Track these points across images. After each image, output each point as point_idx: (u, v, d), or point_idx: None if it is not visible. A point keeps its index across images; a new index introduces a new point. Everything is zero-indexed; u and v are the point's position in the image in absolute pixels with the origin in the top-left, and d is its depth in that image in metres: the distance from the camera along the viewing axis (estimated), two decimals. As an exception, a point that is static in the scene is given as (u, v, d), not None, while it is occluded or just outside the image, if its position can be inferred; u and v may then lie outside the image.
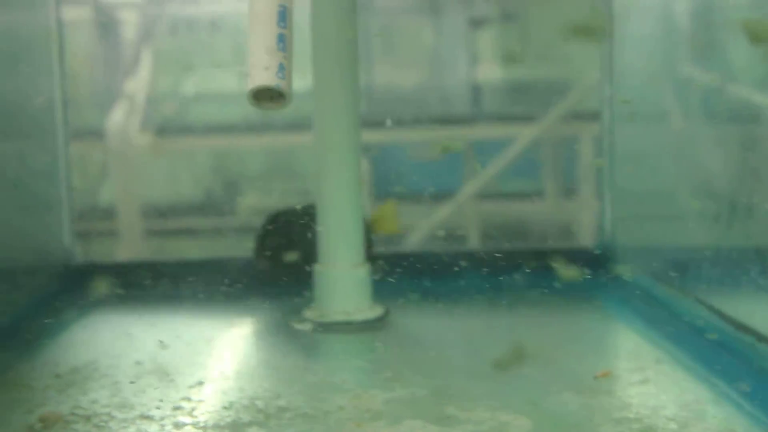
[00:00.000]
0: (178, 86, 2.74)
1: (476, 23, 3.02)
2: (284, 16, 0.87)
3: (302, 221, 1.26)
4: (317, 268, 1.19)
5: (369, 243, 1.27)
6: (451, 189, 2.70)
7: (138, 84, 2.57)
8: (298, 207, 1.30)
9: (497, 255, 1.39)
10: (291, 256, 1.29)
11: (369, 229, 1.29)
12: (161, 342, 1.11)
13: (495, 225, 1.94)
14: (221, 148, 2.89)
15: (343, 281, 1.17)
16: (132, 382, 0.99)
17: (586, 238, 1.62)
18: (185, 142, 2.81)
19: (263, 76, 0.84)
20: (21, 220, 1.20)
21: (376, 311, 1.18)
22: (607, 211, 1.50)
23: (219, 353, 1.10)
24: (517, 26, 3.06)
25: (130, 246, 2.28)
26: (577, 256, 1.38)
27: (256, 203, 2.34)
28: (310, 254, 1.21)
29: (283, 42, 0.86)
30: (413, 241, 1.68)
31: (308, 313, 1.19)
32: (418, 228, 2.19)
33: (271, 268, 1.32)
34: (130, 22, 2.41)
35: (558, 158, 2.61)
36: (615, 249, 1.44)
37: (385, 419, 0.86)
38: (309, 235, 1.21)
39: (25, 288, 1.20)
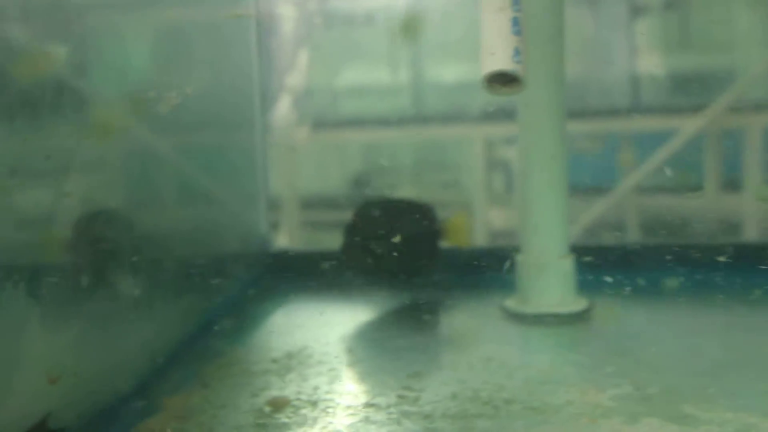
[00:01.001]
0: (333, 80, 2.77)
1: (636, 12, 2.93)
2: (518, 0, 0.85)
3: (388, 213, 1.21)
4: (520, 258, 1.16)
5: (435, 252, 1.25)
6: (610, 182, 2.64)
7: (296, 78, 2.61)
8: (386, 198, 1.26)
9: (691, 248, 1.33)
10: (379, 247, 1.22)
11: (437, 237, 1.25)
12: (378, 328, 1.11)
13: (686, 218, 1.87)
14: (374, 140, 2.91)
15: (548, 273, 1.14)
16: (348, 369, 0.99)
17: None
18: (339, 136, 2.84)
19: (499, 61, 0.82)
20: (229, 210, 1.23)
21: (581, 304, 1.15)
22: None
23: (425, 343, 1.09)
24: (679, 14, 2.95)
25: (293, 235, 2.32)
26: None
27: (409, 195, 2.34)
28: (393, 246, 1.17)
29: (518, 26, 0.84)
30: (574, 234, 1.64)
31: (510, 304, 1.17)
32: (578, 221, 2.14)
33: (360, 259, 1.25)
34: (288, 17, 2.44)
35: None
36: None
37: (619, 416, 0.83)
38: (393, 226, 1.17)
39: (231, 276, 1.22)
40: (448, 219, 1.29)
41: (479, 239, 2.55)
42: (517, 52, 0.83)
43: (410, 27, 1.99)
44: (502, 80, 0.84)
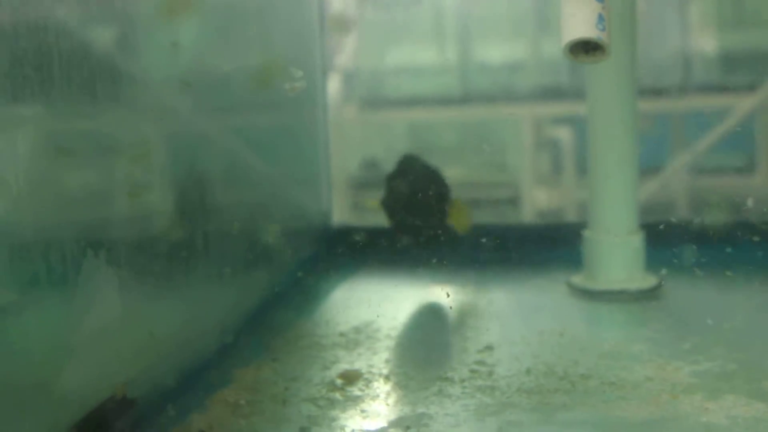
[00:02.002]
0: (381, 60, 2.75)
1: (689, -11, 2.87)
2: (599, -34, 0.82)
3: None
4: (588, 234, 1.15)
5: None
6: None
7: (345, 58, 2.60)
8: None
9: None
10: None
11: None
12: (445, 304, 1.09)
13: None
14: (420, 120, 2.89)
15: (618, 249, 1.12)
16: (417, 344, 0.98)
17: None
18: (386, 115, 2.83)
19: (581, 28, 0.80)
20: (293, 186, 1.22)
21: (650, 281, 1.13)
22: None
23: (495, 317, 1.07)
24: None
25: (343, 212, 2.31)
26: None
27: (455, 175, 2.31)
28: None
29: (600, -8, 0.81)
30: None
31: (578, 280, 1.15)
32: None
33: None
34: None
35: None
36: None
37: (701, 392, 0.81)
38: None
39: (296, 250, 1.21)
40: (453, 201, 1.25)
41: (528, 217, 2.53)
42: (601, 18, 0.81)
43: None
44: (585, 48, 0.82)
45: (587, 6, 0.80)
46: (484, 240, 1.26)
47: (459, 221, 1.19)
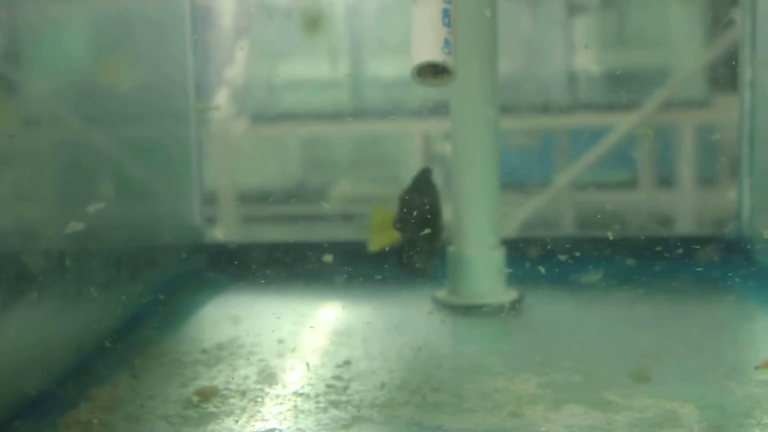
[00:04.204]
0: (271, 73, 2.76)
1: (574, 10, 2.97)
2: (448, -8, 0.85)
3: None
4: (451, 249, 1.18)
5: None
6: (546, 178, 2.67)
7: (235, 71, 2.59)
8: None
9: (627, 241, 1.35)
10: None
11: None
12: (307, 325, 1.11)
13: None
14: (312, 134, 2.90)
15: (479, 264, 1.15)
16: (279, 360, 0.99)
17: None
18: (278, 129, 2.83)
19: (429, 52, 0.83)
20: (162, 201, 1.22)
21: (511, 295, 1.17)
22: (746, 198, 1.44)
23: (357, 333, 1.09)
24: (615, 12, 3.00)
25: (229, 228, 2.30)
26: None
27: (347, 190, 2.33)
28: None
29: (449, 17, 0.85)
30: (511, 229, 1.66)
31: (441, 295, 1.18)
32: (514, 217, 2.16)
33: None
34: (226, 10, 2.42)
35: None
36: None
37: (543, 403, 0.84)
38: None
39: (164, 267, 1.21)
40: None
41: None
42: (447, 43, 0.84)
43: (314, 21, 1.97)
44: (433, 71, 0.85)
45: (434, 31, 0.83)
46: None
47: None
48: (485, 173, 1.15)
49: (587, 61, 2.85)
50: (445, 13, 0.85)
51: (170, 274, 1.23)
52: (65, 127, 0.94)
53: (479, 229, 1.16)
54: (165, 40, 1.26)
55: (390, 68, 2.91)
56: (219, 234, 1.55)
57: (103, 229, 1.02)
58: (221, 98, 2.43)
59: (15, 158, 0.81)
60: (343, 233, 1.47)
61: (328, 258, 1.20)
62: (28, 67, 0.85)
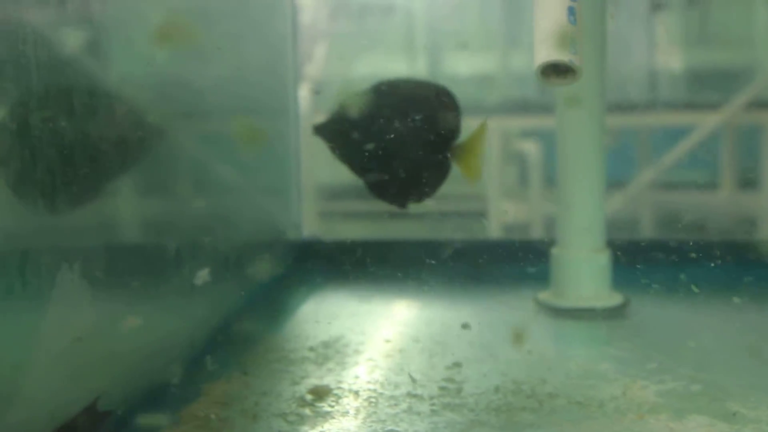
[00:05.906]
0: (351, 70, 2.76)
1: (657, 6, 2.91)
2: (574, -11, 0.84)
3: None
4: (555, 251, 1.16)
5: None
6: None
7: (315, 67, 2.60)
8: None
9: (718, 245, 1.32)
10: None
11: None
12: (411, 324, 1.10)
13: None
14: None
15: (583, 267, 1.13)
16: (387, 360, 0.98)
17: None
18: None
19: (555, 51, 0.81)
20: (264, 197, 1.22)
21: (616, 299, 1.14)
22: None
23: (461, 335, 1.08)
24: (699, 9, 2.94)
25: (317, 224, 2.31)
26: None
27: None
28: None
29: (574, 15, 0.83)
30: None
31: (545, 297, 1.16)
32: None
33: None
34: (307, 5, 2.42)
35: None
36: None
37: (666, 412, 0.82)
38: None
39: (266, 262, 1.21)
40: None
41: (494, 232, 2.54)
42: (573, 42, 0.82)
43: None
44: (556, 71, 0.83)
45: (560, 29, 0.81)
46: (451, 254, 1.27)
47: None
48: (591, 174, 1.12)
49: (670, 60, 2.80)
50: (571, 11, 0.83)
51: (273, 270, 1.23)
52: (174, 126, 0.94)
53: (584, 231, 1.13)
54: (267, 36, 1.26)
55: (467, 65, 2.89)
56: (312, 230, 1.54)
57: (210, 225, 1.02)
58: (303, 93, 2.44)
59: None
60: (436, 232, 1.46)
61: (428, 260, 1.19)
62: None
